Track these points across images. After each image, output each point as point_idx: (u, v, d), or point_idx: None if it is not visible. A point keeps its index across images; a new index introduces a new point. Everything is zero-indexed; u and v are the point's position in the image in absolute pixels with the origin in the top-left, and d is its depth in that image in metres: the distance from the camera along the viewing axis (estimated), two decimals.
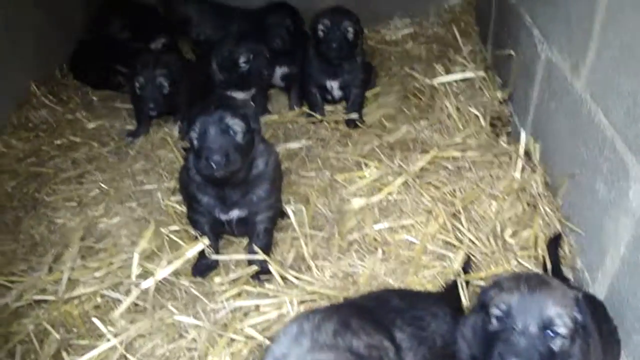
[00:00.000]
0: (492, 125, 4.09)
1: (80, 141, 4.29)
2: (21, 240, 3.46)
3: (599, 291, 2.76)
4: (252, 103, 4.22)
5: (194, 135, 2.83)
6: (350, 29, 4.16)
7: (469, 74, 4.29)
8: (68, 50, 5.22)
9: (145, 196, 3.73)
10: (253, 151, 2.94)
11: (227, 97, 3.77)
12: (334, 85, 4.40)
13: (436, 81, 4.22)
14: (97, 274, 3.14)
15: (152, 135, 4.33)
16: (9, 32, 4.50)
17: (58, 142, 4.29)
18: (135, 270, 2.99)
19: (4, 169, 4.04)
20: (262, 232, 3.11)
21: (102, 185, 3.84)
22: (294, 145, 4.07)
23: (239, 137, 2.81)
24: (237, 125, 2.81)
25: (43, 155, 4.17)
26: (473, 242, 3.19)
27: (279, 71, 4.67)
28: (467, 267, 3.03)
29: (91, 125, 4.50)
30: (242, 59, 4.25)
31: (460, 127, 4.02)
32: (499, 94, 4.17)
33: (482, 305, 2.22)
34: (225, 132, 2.79)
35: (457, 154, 3.70)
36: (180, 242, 3.23)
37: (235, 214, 3.07)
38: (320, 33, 4.18)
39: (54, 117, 4.58)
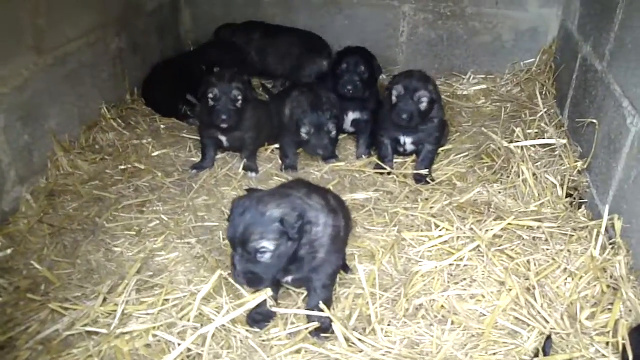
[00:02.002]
0: (567, 194, 3.90)
1: (145, 168, 4.26)
2: (78, 265, 3.40)
3: None
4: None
5: None
6: (425, 99, 4.05)
7: (551, 141, 4.11)
8: (141, 75, 5.27)
9: (206, 233, 3.64)
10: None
11: None
12: (407, 141, 4.28)
13: (514, 145, 4.04)
14: (151, 311, 3.03)
15: (216, 171, 4.27)
16: (90, 56, 4.56)
17: (122, 167, 4.27)
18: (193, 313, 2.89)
19: (67, 189, 4.02)
20: (320, 288, 2.95)
21: (163, 217, 3.77)
22: (361, 196, 3.95)
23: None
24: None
25: (107, 179, 4.15)
26: (546, 321, 2.99)
27: (350, 116, 4.58)
28: (547, 348, 2.82)
29: (156, 153, 4.48)
30: (330, 126, 4.16)
31: (536, 194, 3.84)
32: (578, 164, 3.97)
33: None
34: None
35: (533, 223, 3.51)
36: (240, 286, 3.11)
37: (290, 277, 2.92)
38: (394, 99, 4.08)
39: (121, 141, 4.57)
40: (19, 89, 3.80)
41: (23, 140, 3.87)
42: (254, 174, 4.26)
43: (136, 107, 5.09)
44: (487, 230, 3.44)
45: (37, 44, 3.94)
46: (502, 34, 5.66)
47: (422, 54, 5.82)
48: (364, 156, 4.51)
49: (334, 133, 4.18)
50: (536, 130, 4.50)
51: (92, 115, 4.65)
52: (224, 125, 4.10)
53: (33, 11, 3.87)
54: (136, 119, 4.89)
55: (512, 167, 4.02)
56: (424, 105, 4.04)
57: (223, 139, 4.28)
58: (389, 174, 4.24)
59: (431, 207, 3.80)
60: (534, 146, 4.12)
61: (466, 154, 4.48)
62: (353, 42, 5.45)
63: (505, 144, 4.08)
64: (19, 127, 3.82)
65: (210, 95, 4.07)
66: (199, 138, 4.45)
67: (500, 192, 3.92)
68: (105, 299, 3.09)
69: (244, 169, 4.26)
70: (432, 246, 3.44)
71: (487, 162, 4.27)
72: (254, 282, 2.64)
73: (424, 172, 4.18)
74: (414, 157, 4.41)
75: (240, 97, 4.09)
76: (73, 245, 3.56)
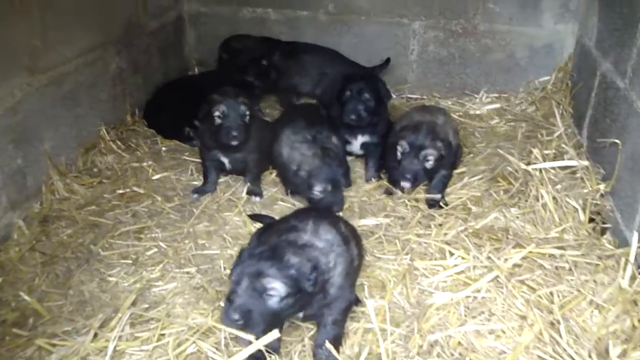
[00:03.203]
0: (589, 219, 3.66)
1: (144, 193, 4.08)
2: (69, 296, 3.20)
3: None
4: None
5: None
6: (432, 158, 3.87)
7: (572, 162, 3.88)
8: (142, 95, 5.13)
9: (206, 262, 3.44)
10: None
11: None
12: None
13: (532, 167, 3.82)
14: (145, 347, 2.83)
15: (219, 195, 4.08)
16: (88, 76, 4.41)
17: (121, 191, 4.10)
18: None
19: (63, 215, 3.85)
20: (330, 324, 2.73)
21: (161, 244, 3.58)
22: (370, 222, 3.74)
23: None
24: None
25: (104, 204, 3.97)
26: (573, 359, 2.75)
27: (359, 139, 4.38)
28: None
29: (156, 177, 4.30)
30: (344, 180, 3.97)
31: (557, 219, 3.61)
32: (601, 186, 3.75)
33: None
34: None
35: (555, 251, 3.28)
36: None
37: (301, 313, 2.71)
38: (399, 154, 3.93)
39: (120, 164, 4.41)
40: (11, 110, 3.64)
41: (16, 164, 3.70)
42: (257, 198, 4.06)
43: (137, 129, 4.92)
44: (505, 259, 3.22)
45: (31, 63, 3.79)
46: (516, 51, 5.47)
47: (433, 73, 5.64)
48: (373, 179, 4.29)
49: (345, 183, 4.01)
50: (554, 151, 4.29)
51: (90, 137, 4.48)
52: (235, 142, 3.89)
53: (28, 30, 3.73)
54: (136, 141, 4.71)
55: (530, 190, 3.80)
56: (430, 164, 3.88)
57: (225, 161, 4.09)
58: (399, 197, 4.03)
59: (445, 234, 3.58)
60: (554, 168, 3.88)
61: (480, 176, 4.26)
62: (362, 60, 5.36)
63: (523, 166, 3.86)
64: (11, 150, 3.65)
65: (217, 113, 3.87)
66: (200, 160, 4.26)
67: (518, 217, 3.70)
68: (96, 334, 2.89)
69: (247, 193, 4.07)
70: (447, 276, 3.23)
71: (503, 185, 4.05)
72: (247, 322, 2.39)
73: (437, 196, 3.96)
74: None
75: (247, 113, 3.91)
76: (65, 274, 3.36)
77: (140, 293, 3.20)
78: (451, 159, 4.09)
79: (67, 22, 4.12)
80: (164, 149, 4.68)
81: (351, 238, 2.81)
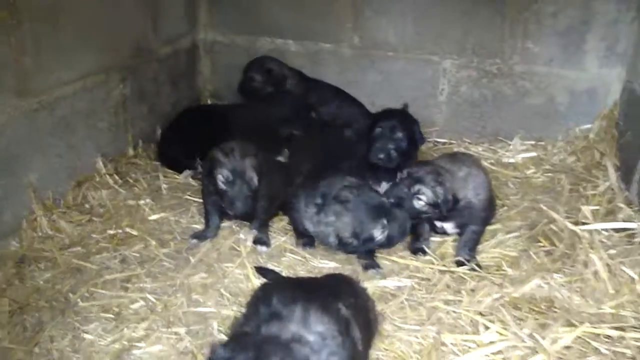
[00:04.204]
0: None
1: (137, 235, 3.63)
2: (35, 355, 2.73)
3: None
4: None
5: None
6: (423, 198, 3.37)
7: (632, 225, 3.37)
8: (147, 126, 4.73)
9: (198, 321, 2.95)
10: None
11: None
12: (446, 226, 3.60)
13: (582, 227, 3.31)
14: None
15: (220, 242, 3.60)
16: (87, 102, 4.04)
17: (112, 231, 3.66)
18: None
19: (43, 255, 3.41)
20: None
21: (149, 296, 3.11)
22: (391, 283, 3.24)
23: None
24: None
25: (91, 245, 3.53)
26: None
27: (384, 187, 3.86)
28: None
29: (153, 217, 3.86)
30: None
31: (611, 290, 3.09)
32: None
33: None
34: None
35: (613, 332, 2.75)
36: None
37: None
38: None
39: (115, 200, 3.97)
40: None
41: None
42: (264, 248, 3.58)
43: (138, 162, 4.50)
44: (553, 340, 2.69)
45: (19, 85, 3.41)
46: (555, 96, 4.99)
47: (464, 116, 5.18)
48: None
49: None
50: (597, 207, 3.81)
51: (85, 170, 4.06)
52: (238, 214, 3.51)
53: (17, 47, 3.36)
54: (135, 176, 4.29)
55: (578, 254, 3.29)
56: (420, 204, 3.39)
57: None
58: (424, 255, 3.54)
59: (478, 302, 3.06)
60: (606, 230, 3.38)
61: (517, 233, 3.75)
62: (387, 99, 4.92)
63: (571, 226, 3.34)
64: None
65: (220, 178, 3.45)
66: (202, 202, 3.80)
67: (563, 286, 3.17)
68: None
69: (253, 241, 3.59)
70: (482, 355, 2.70)
71: (544, 246, 3.54)
72: None
73: (467, 257, 3.46)
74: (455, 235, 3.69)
75: (255, 179, 3.48)
76: (35, 327, 2.90)
77: (118, 356, 2.73)
78: (482, 213, 3.59)
79: (65, 41, 3.75)
80: (165, 186, 4.24)
81: (354, 315, 2.29)
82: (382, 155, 3.80)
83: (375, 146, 3.83)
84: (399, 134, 3.86)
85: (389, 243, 3.35)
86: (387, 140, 3.83)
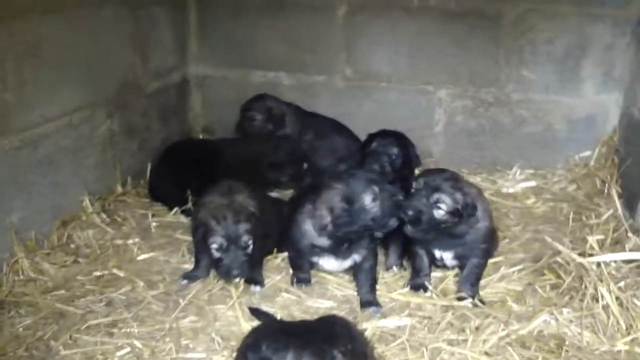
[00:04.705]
0: None
1: (124, 276, 3.48)
2: None
3: None
4: None
5: None
6: (444, 206, 3.22)
7: None
8: (136, 163, 4.60)
9: None
10: None
11: None
12: (445, 256, 3.44)
13: (590, 259, 3.17)
14: None
15: (211, 282, 3.44)
16: (72, 139, 3.92)
17: (98, 273, 3.50)
18: None
19: (24, 300, 3.24)
20: None
21: (136, 342, 2.91)
22: (391, 322, 3.07)
23: None
24: None
25: (75, 288, 3.37)
26: None
27: None
28: None
29: (142, 257, 3.71)
30: None
31: (623, 326, 2.93)
32: None
33: None
34: None
35: None
36: None
37: None
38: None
39: (102, 240, 3.83)
40: None
41: None
42: (258, 288, 3.42)
43: (127, 200, 4.36)
44: None
45: (0, 122, 3.28)
46: (553, 123, 4.93)
47: (461, 146, 5.09)
48: (395, 267, 3.66)
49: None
50: (602, 237, 3.69)
51: (70, 209, 3.91)
52: (236, 280, 3.37)
53: None
54: (124, 214, 4.15)
55: (586, 287, 3.13)
56: (440, 213, 3.23)
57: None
58: (425, 291, 3.38)
59: (484, 341, 2.89)
60: (615, 261, 3.24)
61: (520, 266, 3.61)
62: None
63: (578, 259, 3.20)
64: None
65: (214, 246, 3.30)
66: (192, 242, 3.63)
67: (572, 321, 3.02)
68: None
69: (246, 281, 3.43)
70: None
71: (550, 279, 3.40)
72: None
73: (469, 292, 3.30)
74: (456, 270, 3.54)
75: (250, 242, 3.33)
76: None
77: None
78: (483, 245, 3.44)
79: (49, 76, 3.65)
80: (154, 224, 4.10)
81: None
82: (375, 166, 3.72)
83: (369, 159, 3.78)
84: (395, 150, 3.82)
85: (382, 216, 3.21)
86: (381, 154, 3.79)
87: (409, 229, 3.25)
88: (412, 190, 3.30)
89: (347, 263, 3.43)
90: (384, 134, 3.94)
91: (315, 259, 3.45)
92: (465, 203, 3.21)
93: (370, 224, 3.22)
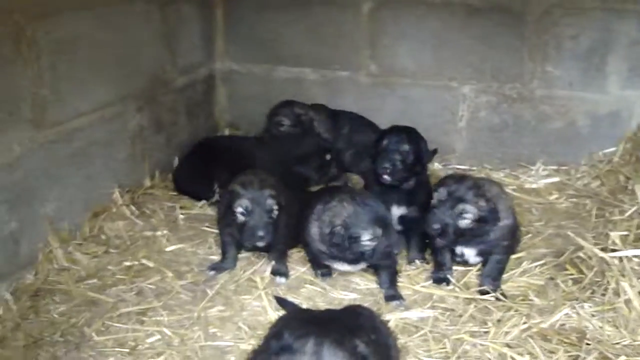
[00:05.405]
0: None
1: (154, 267, 3.58)
2: None
3: None
4: None
5: None
6: (469, 216, 3.28)
7: None
8: (164, 157, 4.70)
9: (216, 356, 2.87)
10: None
11: None
12: (467, 252, 3.49)
13: (612, 254, 3.19)
14: None
15: (238, 273, 3.53)
16: (104, 133, 4.02)
17: (128, 263, 3.61)
18: None
19: (58, 288, 3.36)
20: None
21: (166, 330, 3.03)
22: (414, 314, 3.14)
23: None
24: None
25: (107, 278, 3.48)
26: None
27: (395, 212, 3.78)
28: None
29: (170, 248, 3.81)
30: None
31: None
32: None
33: None
34: None
35: None
36: None
37: None
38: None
39: (132, 231, 3.94)
40: (8, 166, 3.24)
41: (8, 228, 3.26)
42: (283, 279, 3.51)
43: (155, 193, 4.46)
44: None
45: (36, 116, 3.40)
46: (577, 119, 4.91)
47: (484, 141, 5.10)
48: (417, 261, 3.71)
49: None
50: (626, 233, 3.66)
51: (101, 201, 4.02)
52: (262, 244, 3.43)
53: (34, 79, 3.36)
54: (152, 207, 4.25)
55: (609, 282, 3.15)
56: (466, 222, 3.29)
57: None
58: (447, 284, 3.44)
59: (505, 333, 2.94)
60: (637, 256, 3.25)
61: (542, 261, 3.64)
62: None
63: (600, 253, 3.22)
64: (3, 212, 3.22)
65: (239, 209, 3.38)
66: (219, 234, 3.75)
67: (594, 316, 3.04)
68: None
69: (272, 272, 3.52)
70: None
71: (572, 274, 3.43)
72: None
73: (491, 287, 3.35)
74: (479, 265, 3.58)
75: (275, 207, 3.41)
76: None
77: None
78: (505, 242, 3.47)
79: (83, 72, 3.75)
80: (182, 216, 4.19)
81: (372, 358, 2.19)
82: (387, 165, 3.69)
83: (381, 157, 3.74)
84: (406, 147, 3.76)
85: (370, 256, 3.25)
86: (393, 152, 3.74)
87: (437, 241, 3.30)
88: (434, 202, 3.33)
89: (361, 265, 3.46)
90: (395, 130, 3.90)
91: (326, 262, 3.48)
92: (489, 209, 3.26)
93: (360, 257, 3.29)
